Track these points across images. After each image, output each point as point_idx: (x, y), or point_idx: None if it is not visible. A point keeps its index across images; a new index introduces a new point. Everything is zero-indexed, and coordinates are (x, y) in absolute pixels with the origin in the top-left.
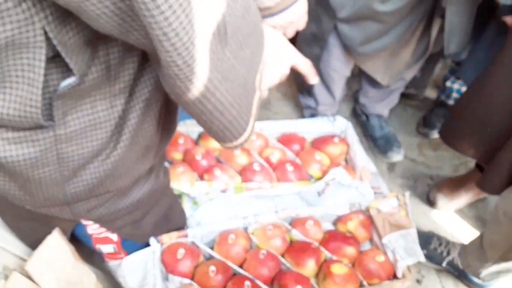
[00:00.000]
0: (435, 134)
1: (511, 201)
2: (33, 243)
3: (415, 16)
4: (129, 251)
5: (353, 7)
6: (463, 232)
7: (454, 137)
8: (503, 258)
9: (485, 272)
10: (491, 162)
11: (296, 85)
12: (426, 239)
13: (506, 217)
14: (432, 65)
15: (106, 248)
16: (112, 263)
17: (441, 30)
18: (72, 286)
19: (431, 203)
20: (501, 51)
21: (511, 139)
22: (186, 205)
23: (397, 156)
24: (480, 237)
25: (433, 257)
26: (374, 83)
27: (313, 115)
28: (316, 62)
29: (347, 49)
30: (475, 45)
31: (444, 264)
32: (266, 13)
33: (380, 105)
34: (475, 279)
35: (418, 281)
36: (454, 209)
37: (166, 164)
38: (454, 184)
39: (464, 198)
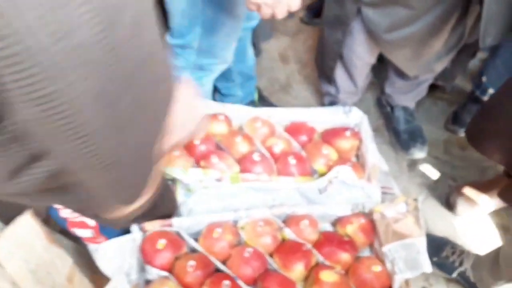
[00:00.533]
0: (464, 132)
1: None
2: (9, 220)
3: (448, 2)
4: (109, 236)
5: None
6: (481, 241)
7: (481, 138)
8: None
9: None
10: None
11: (317, 70)
12: (439, 245)
13: None
14: (466, 57)
15: (82, 233)
16: (90, 247)
17: (478, 19)
18: (42, 268)
19: (450, 206)
20: None
21: None
22: (180, 191)
23: (420, 153)
24: (497, 251)
25: (444, 266)
26: (401, 73)
27: (333, 103)
28: (339, 47)
29: (372, 35)
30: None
31: (454, 274)
32: None
33: (407, 97)
34: None
35: None
36: (474, 215)
37: None
38: (478, 189)
39: (487, 205)
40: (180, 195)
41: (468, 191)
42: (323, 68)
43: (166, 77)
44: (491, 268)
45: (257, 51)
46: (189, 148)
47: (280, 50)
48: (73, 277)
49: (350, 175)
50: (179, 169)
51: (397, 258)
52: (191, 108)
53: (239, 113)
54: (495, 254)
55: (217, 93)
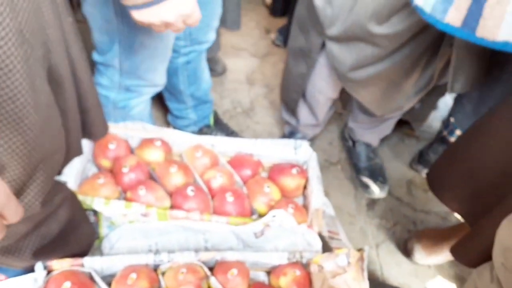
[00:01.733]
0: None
1: (486, 279)
2: None
3: (418, 43)
4: (8, 275)
5: (343, 24)
6: None
7: (440, 184)
8: None
9: None
10: (472, 228)
11: (281, 98)
12: None
13: None
14: (435, 98)
15: None
16: None
17: (448, 62)
18: None
19: (407, 253)
20: (506, 101)
21: (499, 206)
22: (103, 223)
23: (380, 193)
24: None
25: None
26: (365, 109)
27: (293, 133)
28: (303, 81)
29: (336, 71)
30: (478, 86)
31: None
32: (129, 3)
33: (370, 133)
34: None
35: None
36: (431, 264)
37: (92, 169)
38: (437, 236)
39: (445, 255)
40: (103, 228)
41: (426, 238)
42: (286, 99)
43: None
44: None
45: (221, 70)
46: (117, 175)
47: (248, 71)
48: None
49: (289, 220)
50: (100, 199)
51: None
52: None
53: (180, 139)
54: None
55: (170, 114)
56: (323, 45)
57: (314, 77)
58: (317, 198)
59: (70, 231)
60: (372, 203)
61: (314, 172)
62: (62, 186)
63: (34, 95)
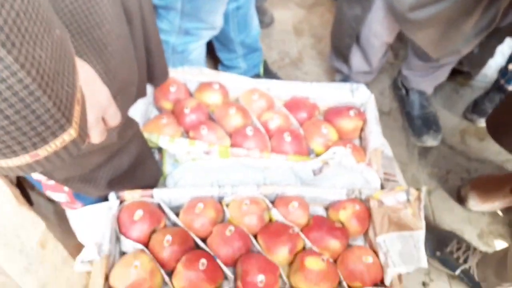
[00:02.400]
0: (483, 122)
1: None
2: None
3: None
4: (85, 202)
5: None
6: (490, 239)
7: (501, 130)
8: None
9: None
10: None
11: (331, 46)
12: (444, 239)
13: None
14: (496, 42)
15: (57, 196)
16: (68, 212)
17: None
18: (10, 231)
19: (461, 200)
20: None
21: None
22: (167, 161)
23: (432, 141)
24: (505, 251)
25: (447, 261)
26: (421, 53)
27: (344, 82)
28: (357, 24)
29: (394, 13)
30: None
31: (458, 271)
32: None
33: (425, 81)
34: None
35: (424, 284)
36: (485, 211)
37: (153, 112)
38: (492, 183)
39: (500, 202)
40: (167, 165)
41: (481, 185)
42: (338, 45)
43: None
44: (497, 268)
45: (269, 21)
46: (178, 116)
47: (295, 22)
48: (46, 243)
49: (348, 157)
50: (165, 137)
51: (391, 251)
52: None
53: (236, 83)
54: (503, 254)
55: (220, 64)
56: None
57: (370, 20)
58: (376, 138)
59: (138, 166)
60: (424, 151)
61: (372, 113)
62: (133, 121)
63: (117, 24)
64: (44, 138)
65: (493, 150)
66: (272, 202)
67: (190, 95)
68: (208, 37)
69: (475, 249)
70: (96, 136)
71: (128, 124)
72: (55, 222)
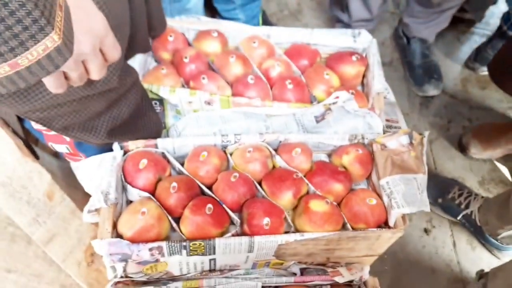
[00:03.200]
0: (486, 71)
1: None
2: None
3: None
4: (87, 154)
5: None
6: (491, 185)
7: (504, 74)
8: None
9: (505, 233)
10: None
11: None
12: (445, 186)
13: None
14: None
15: (59, 148)
16: (72, 164)
17: None
18: (16, 182)
19: (462, 148)
20: None
21: None
22: (169, 113)
23: (434, 90)
24: (508, 194)
25: (449, 208)
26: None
27: None
28: None
29: None
30: None
31: (459, 217)
32: None
33: (426, 28)
34: (492, 239)
35: (426, 231)
36: (487, 158)
37: (152, 63)
38: (494, 131)
39: (502, 148)
40: (169, 118)
41: (483, 132)
42: None
43: None
44: (499, 212)
45: None
46: (178, 66)
47: None
48: (53, 194)
49: (351, 102)
50: (165, 87)
51: (395, 192)
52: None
53: (235, 31)
54: (505, 197)
55: (218, 16)
56: None
57: None
58: (379, 82)
59: (139, 117)
60: (425, 101)
61: (374, 58)
62: (132, 69)
63: None
64: (23, 41)
65: (495, 98)
66: (275, 150)
67: (189, 44)
68: None
69: (476, 195)
70: (95, 69)
71: (127, 70)
72: (60, 177)
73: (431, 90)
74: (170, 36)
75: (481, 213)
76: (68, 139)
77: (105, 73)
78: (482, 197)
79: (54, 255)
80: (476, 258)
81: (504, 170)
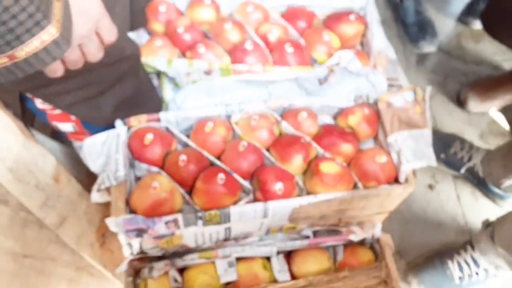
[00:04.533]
0: (479, 24)
1: None
2: None
3: None
4: (93, 132)
5: None
6: (491, 138)
7: (497, 22)
8: None
9: (508, 182)
10: None
11: None
12: (447, 141)
13: None
14: None
15: (64, 127)
16: (76, 144)
17: None
18: (22, 166)
19: (460, 102)
20: None
21: None
22: (166, 86)
23: (429, 47)
24: (509, 144)
25: (451, 162)
26: None
27: None
28: None
29: None
30: None
31: (463, 170)
32: None
33: None
34: (495, 189)
35: (430, 187)
36: (485, 111)
37: (144, 36)
38: (491, 83)
39: (500, 100)
40: (167, 91)
41: (480, 85)
42: None
43: None
44: (502, 161)
45: None
46: (172, 37)
47: None
48: (59, 176)
49: (354, 61)
50: (162, 59)
51: (403, 148)
52: None
53: None
54: (507, 147)
55: None
56: None
57: None
58: (379, 40)
59: (142, 93)
60: (421, 58)
61: (373, 16)
62: (133, 42)
63: None
64: (19, 36)
65: (489, 51)
66: (280, 116)
67: (181, 14)
68: None
69: (478, 147)
70: (92, 52)
71: (126, 39)
72: (62, 161)
73: (427, 47)
74: (161, 6)
75: (484, 165)
76: (74, 117)
77: (102, 55)
78: (484, 149)
79: (67, 238)
80: (480, 209)
81: (503, 122)
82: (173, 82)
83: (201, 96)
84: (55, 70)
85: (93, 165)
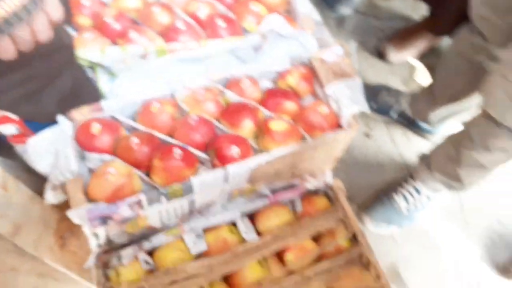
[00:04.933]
0: None
1: (464, 39)
2: None
3: None
4: (37, 131)
5: None
6: (413, 83)
7: None
8: (452, 99)
9: (433, 116)
10: (440, 3)
11: None
12: (374, 91)
13: (459, 56)
14: None
15: (7, 129)
16: (19, 147)
17: None
18: None
19: (381, 55)
20: None
21: None
22: (101, 78)
23: (346, 9)
24: (431, 84)
25: (382, 109)
26: None
27: None
28: None
29: None
30: None
31: (392, 113)
32: None
33: None
34: (424, 125)
35: (367, 135)
36: (404, 60)
37: (71, 32)
38: (405, 34)
39: (415, 48)
40: (103, 83)
41: (396, 37)
42: None
43: None
44: (426, 99)
45: None
46: (101, 29)
47: None
48: (7, 184)
49: (284, 25)
50: (95, 49)
51: (341, 97)
52: None
53: None
54: (429, 86)
55: None
56: None
57: None
58: (303, 5)
59: (82, 86)
60: (340, 21)
61: None
62: (66, 31)
63: None
64: None
65: (400, 7)
66: (224, 86)
67: (104, 5)
68: None
69: (403, 92)
70: (41, 29)
71: (64, 34)
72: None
73: (343, 9)
74: None
75: (411, 105)
76: (16, 117)
77: (52, 34)
78: (408, 93)
79: (25, 245)
80: (413, 147)
81: (421, 67)
82: (108, 72)
83: (138, 81)
84: (6, 49)
85: (41, 166)
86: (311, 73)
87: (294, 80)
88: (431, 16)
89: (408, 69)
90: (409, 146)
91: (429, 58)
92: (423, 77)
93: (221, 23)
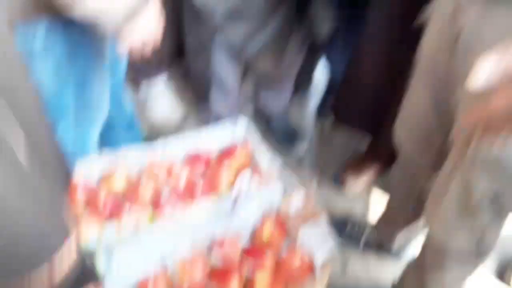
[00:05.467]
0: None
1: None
2: None
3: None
4: None
5: None
6: (374, 208)
7: (345, 109)
8: (407, 222)
9: (398, 239)
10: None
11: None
12: (340, 225)
13: (400, 184)
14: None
15: None
16: None
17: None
18: None
19: (341, 183)
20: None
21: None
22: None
23: (302, 146)
24: (386, 210)
25: (350, 242)
26: None
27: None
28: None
29: None
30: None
31: (361, 245)
32: None
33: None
34: (394, 249)
35: (343, 269)
36: (363, 187)
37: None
38: (358, 162)
39: (370, 173)
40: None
41: (350, 166)
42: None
43: None
44: (386, 225)
45: None
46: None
47: None
48: None
49: (252, 179)
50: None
51: (311, 241)
52: None
53: (134, 158)
54: (385, 213)
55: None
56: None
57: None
58: (264, 156)
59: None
60: (299, 160)
61: (254, 138)
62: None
63: None
64: None
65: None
66: (209, 248)
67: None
68: None
69: (366, 222)
70: None
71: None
72: None
73: (300, 147)
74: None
75: (376, 233)
76: None
77: None
78: (370, 223)
79: None
80: (388, 272)
81: (379, 192)
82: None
83: (132, 255)
84: None
85: None
86: (283, 221)
87: (268, 231)
88: (372, 145)
89: (368, 196)
90: (384, 271)
91: (380, 183)
92: (382, 203)
93: (200, 182)
